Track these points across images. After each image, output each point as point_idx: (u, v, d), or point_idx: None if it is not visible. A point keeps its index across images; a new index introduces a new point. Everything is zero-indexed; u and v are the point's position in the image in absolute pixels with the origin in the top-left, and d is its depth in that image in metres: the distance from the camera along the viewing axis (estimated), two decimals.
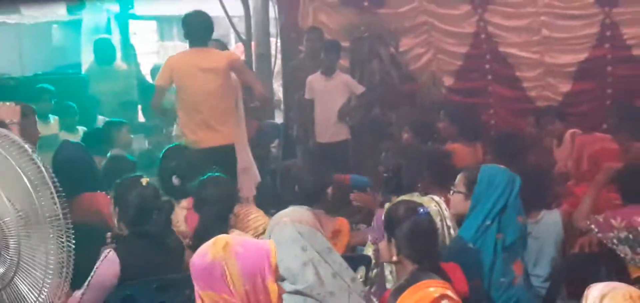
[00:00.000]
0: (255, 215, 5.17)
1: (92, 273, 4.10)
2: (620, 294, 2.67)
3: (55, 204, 2.64)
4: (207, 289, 2.90)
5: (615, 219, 4.58)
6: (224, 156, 6.20)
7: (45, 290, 2.66)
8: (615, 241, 4.53)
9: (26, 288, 2.70)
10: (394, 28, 8.54)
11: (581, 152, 5.58)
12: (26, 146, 2.67)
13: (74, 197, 5.07)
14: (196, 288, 2.95)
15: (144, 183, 4.35)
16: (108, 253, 4.14)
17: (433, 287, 2.80)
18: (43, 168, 2.63)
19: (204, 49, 6.50)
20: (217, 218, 4.52)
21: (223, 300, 2.88)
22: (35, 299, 2.69)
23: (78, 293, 4.19)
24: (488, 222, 4.15)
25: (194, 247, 3.15)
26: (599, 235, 4.61)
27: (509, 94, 8.40)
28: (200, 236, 3.12)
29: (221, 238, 2.99)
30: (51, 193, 2.62)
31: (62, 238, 2.68)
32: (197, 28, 6.51)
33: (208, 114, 6.41)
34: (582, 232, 4.82)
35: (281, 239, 3.69)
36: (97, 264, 4.12)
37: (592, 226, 4.66)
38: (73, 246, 2.74)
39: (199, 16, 6.57)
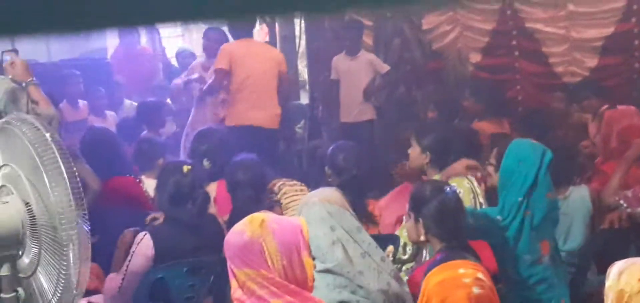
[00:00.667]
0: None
1: (129, 258, 4.15)
2: (637, 269, 2.67)
3: (67, 191, 2.63)
4: (244, 267, 2.94)
5: None
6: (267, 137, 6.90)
7: (62, 279, 2.67)
8: None
9: (46, 278, 2.72)
10: (418, 6, 8.49)
11: (610, 128, 5.53)
12: (45, 132, 2.67)
13: (103, 181, 5.14)
14: (232, 267, 2.99)
15: (184, 171, 4.38)
16: (143, 236, 4.18)
17: (463, 269, 2.76)
18: (57, 153, 2.63)
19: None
20: (250, 200, 4.54)
21: (261, 277, 2.92)
22: (53, 290, 2.71)
23: (113, 276, 4.25)
24: (520, 198, 4.08)
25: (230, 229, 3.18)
26: (629, 210, 4.59)
27: (535, 69, 8.34)
28: (236, 219, 3.15)
29: (257, 216, 3.04)
30: (64, 179, 2.62)
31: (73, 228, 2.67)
32: None
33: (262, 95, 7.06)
34: (611, 208, 4.80)
35: (310, 218, 3.70)
36: (133, 248, 4.17)
37: (622, 201, 4.65)
38: (88, 230, 2.75)
39: None
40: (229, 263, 3.01)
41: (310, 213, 3.73)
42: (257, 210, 3.40)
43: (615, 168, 5.13)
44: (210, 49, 7.78)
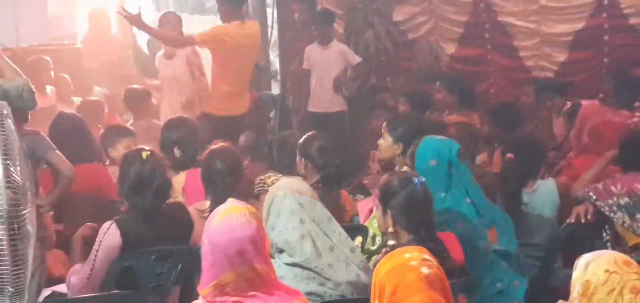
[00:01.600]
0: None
1: (95, 247, 4.12)
2: (604, 260, 2.70)
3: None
4: (255, 261, 2.82)
5: (615, 186, 4.61)
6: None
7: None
8: (614, 208, 4.55)
9: None
10: None
11: (583, 124, 5.56)
12: None
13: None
14: (234, 264, 2.79)
15: (144, 157, 4.34)
16: (110, 226, 4.15)
17: (408, 253, 2.78)
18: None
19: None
20: (229, 188, 4.49)
21: (253, 272, 2.82)
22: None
23: (77, 267, 4.22)
24: (442, 194, 4.22)
25: None
26: (597, 202, 4.63)
27: (507, 63, 8.39)
28: (214, 208, 3.05)
29: (240, 205, 2.92)
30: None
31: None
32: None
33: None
34: (580, 201, 4.84)
35: (280, 210, 3.70)
36: (99, 237, 4.14)
37: (590, 193, 4.68)
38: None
39: None
40: (227, 262, 2.80)
41: (281, 205, 3.72)
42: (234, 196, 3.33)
43: (589, 163, 5.17)
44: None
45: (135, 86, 7.69)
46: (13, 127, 3.31)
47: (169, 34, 7.25)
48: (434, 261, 2.78)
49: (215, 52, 7.08)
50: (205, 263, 2.83)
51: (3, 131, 2.77)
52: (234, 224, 2.81)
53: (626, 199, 4.56)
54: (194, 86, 7.85)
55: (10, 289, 2.91)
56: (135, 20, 6.88)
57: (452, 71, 8.30)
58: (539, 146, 5.51)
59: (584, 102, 5.99)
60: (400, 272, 2.72)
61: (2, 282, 2.69)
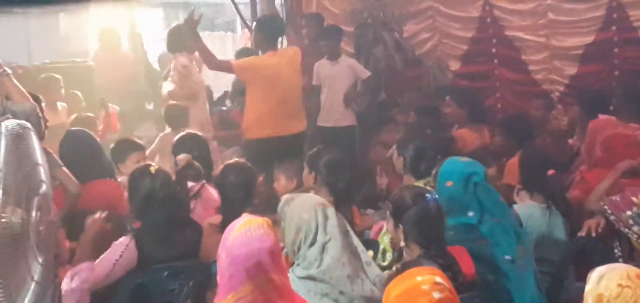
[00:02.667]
0: None
1: (113, 259, 4.11)
2: (617, 274, 2.69)
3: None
4: (272, 272, 2.84)
5: (636, 196, 4.55)
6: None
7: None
8: (631, 221, 4.51)
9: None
10: (398, 13, 8.53)
11: (593, 138, 5.54)
12: None
13: (83, 184, 5.12)
14: (250, 276, 2.81)
15: (152, 172, 4.36)
16: (129, 241, 4.16)
17: (420, 276, 2.74)
18: None
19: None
20: (241, 202, 4.56)
21: (271, 284, 2.85)
22: None
23: (82, 267, 4.17)
24: (470, 213, 4.16)
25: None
26: (612, 217, 4.59)
27: (515, 77, 8.40)
28: (228, 221, 3.07)
29: (258, 219, 2.95)
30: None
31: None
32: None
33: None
34: (594, 214, 4.81)
35: (302, 221, 3.67)
36: (119, 250, 4.13)
37: (606, 207, 4.65)
38: None
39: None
40: (245, 274, 2.81)
41: (303, 217, 3.70)
42: (246, 211, 3.35)
43: (602, 176, 5.15)
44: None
45: (174, 102, 7.66)
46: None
47: (212, 55, 7.23)
48: (446, 284, 2.74)
49: (251, 81, 7.09)
50: (223, 276, 2.85)
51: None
52: (253, 236, 2.85)
53: None
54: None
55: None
56: (193, 25, 6.91)
57: (457, 87, 8.29)
58: (551, 161, 5.45)
59: (601, 117, 5.96)
60: (411, 297, 2.68)
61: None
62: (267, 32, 7.15)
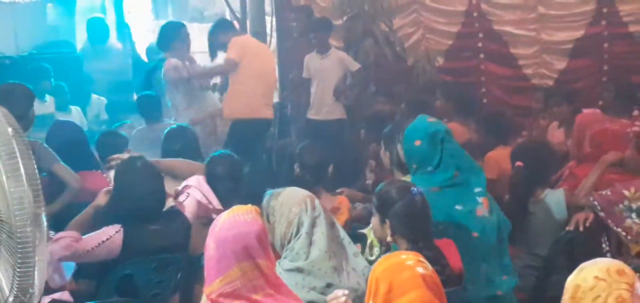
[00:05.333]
0: None
1: (96, 242, 4.09)
2: (597, 267, 2.68)
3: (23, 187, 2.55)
4: (258, 257, 2.85)
5: (628, 189, 4.55)
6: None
7: (17, 278, 2.61)
8: (623, 214, 4.51)
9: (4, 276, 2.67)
10: (387, 6, 8.51)
11: (582, 133, 5.52)
12: (7, 126, 2.59)
13: None
14: (239, 261, 2.82)
15: (137, 164, 4.36)
16: (117, 231, 4.14)
17: (404, 255, 2.85)
18: (16, 148, 2.56)
19: None
20: (229, 191, 4.60)
21: (257, 269, 2.85)
22: (9, 289, 2.65)
23: (66, 233, 4.16)
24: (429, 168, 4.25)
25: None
26: (602, 213, 4.59)
27: (503, 72, 8.40)
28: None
29: (246, 206, 2.97)
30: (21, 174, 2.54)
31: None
32: None
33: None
34: (582, 209, 4.80)
35: (291, 215, 3.66)
36: (104, 235, 4.11)
37: (595, 201, 4.64)
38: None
39: None
40: (233, 257, 2.82)
41: (294, 210, 3.68)
42: (236, 201, 3.35)
43: (589, 170, 5.15)
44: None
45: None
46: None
47: (220, 66, 7.41)
48: (429, 265, 2.81)
49: (239, 61, 7.18)
50: (211, 262, 2.86)
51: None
52: (240, 220, 2.88)
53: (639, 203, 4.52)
54: None
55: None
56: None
57: (442, 81, 8.29)
58: (550, 153, 5.44)
59: (585, 111, 5.96)
60: (395, 270, 2.76)
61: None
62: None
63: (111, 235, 4.14)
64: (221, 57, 7.42)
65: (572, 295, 2.67)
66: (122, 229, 4.18)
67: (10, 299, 2.60)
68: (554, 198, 5.04)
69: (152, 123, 7.12)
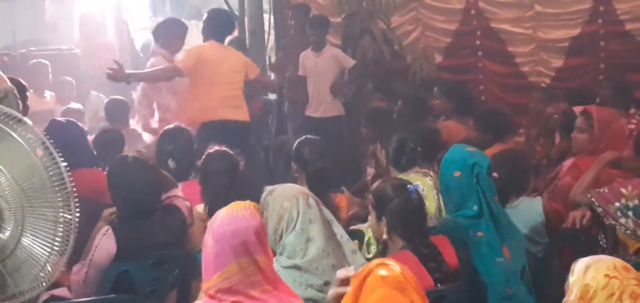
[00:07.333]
0: None
1: (92, 251, 4.13)
2: (604, 265, 2.70)
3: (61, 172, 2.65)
4: (256, 253, 2.84)
5: (626, 188, 4.54)
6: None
7: (50, 263, 2.68)
8: (619, 213, 4.52)
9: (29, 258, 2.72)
10: (385, 4, 8.52)
11: (604, 128, 5.42)
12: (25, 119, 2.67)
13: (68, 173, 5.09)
14: (236, 257, 2.82)
15: (130, 160, 4.39)
16: (107, 231, 4.16)
17: (373, 263, 2.77)
18: (45, 138, 2.64)
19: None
20: (224, 188, 4.60)
21: (254, 265, 2.85)
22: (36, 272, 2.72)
23: (78, 267, 4.22)
24: (475, 207, 4.06)
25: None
26: (599, 209, 4.59)
27: (500, 70, 8.41)
28: (212, 209, 3.10)
29: (245, 202, 2.96)
30: (56, 162, 2.63)
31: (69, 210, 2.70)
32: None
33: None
34: (580, 206, 4.79)
35: (290, 212, 3.66)
36: (96, 241, 4.15)
37: (593, 198, 4.64)
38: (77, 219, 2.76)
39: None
40: (231, 252, 2.82)
41: (284, 205, 3.68)
42: (231, 197, 3.36)
43: (591, 163, 5.13)
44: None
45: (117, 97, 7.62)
46: None
47: (157, 72, 7.15)
48: (397, 268, 2.70)
49: (194, 70, 7.04)
50: (208, 258, 2.86)
51: None
52: (239, 216, 2.87)
53: (636, 201, 4.52)
54: None
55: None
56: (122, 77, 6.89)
57: (441, 79, 8.29)
58: (523, 161, 5.30)
59: (576, 109, 5.92)
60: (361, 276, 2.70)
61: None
62: (214, 25, 7.28)
63: (99, 238, 4.17)
64: (180, 57, 7.38)
65: (581, 295, 2.67)
66: (110, 228, 4.19)
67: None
68: (529, 206, 4.93)
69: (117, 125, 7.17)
